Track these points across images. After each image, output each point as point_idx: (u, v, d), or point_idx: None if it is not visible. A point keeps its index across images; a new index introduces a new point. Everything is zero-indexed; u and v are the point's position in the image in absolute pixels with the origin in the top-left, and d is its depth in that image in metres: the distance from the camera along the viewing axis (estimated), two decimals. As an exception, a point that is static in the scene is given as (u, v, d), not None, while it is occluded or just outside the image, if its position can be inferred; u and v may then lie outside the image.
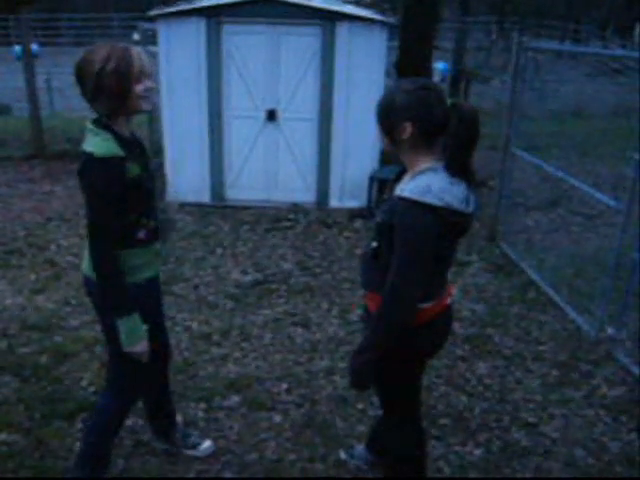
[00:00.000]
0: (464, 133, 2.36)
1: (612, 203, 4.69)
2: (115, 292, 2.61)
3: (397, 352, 2.53)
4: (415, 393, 2.89)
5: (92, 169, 2.51)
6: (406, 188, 2.34)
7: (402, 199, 2.33)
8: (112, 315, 2.65)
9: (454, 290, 2.75)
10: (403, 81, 2.45)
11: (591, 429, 3.79)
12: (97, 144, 2.52)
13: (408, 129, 2.37)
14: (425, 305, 2.50)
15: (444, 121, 2.35)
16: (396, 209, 2.35)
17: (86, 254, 2.70)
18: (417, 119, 2.35)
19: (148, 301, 2.86)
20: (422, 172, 2.40)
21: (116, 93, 2.54)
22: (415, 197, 2.30)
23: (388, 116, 2.43)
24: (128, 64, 2.53)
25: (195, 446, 3.51)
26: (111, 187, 2.51)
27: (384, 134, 2.49)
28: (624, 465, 3.50)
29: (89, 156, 2.50)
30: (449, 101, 2.39)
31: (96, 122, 2.61)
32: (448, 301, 2.65)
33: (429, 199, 2.29)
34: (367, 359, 2.47)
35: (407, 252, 2.35)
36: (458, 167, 2.39)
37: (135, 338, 2.66)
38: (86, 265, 2.76)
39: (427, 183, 2.33)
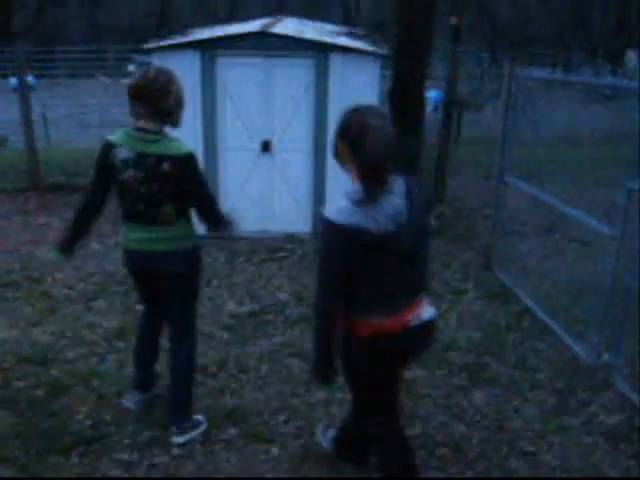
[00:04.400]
0: (372, 159, 2.59)
1: (606, 230, 4.71)
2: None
3: (362, 359, 2.84)
4: (386, 393, 3.06)
5: (196, 160, 3.48)
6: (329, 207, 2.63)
7: (321, 216, 2.64)
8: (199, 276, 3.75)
9: (422, 311, 2.88)
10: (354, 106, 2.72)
11: (590, 457, 3.78)
12: (183, 144, 3.46)
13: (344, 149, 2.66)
14: (375, 320, 2.74)
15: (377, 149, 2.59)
16: None
17: (152, 236, 3.56)
18: (349, 142, 2.63)
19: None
20: (348, 192, 2.62)
21: (183, 107, 3.48)
22: (327, 215, 2.59)
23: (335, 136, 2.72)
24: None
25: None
26: None
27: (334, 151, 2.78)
28: (624, 493, 3.49)
29: (189, 154, 3.42)
30: (369, 125, 2.58)
31: (161, 133, 3.43)
32: (410, 321, 2.79)
33: (334, 218, 2.55)
34: (314, 358, 2.87)
35: (319, 263, 2.68)
36: (373, 189, 2.59)
37: None
38: (164, 242, 3.58)
39: (343, 203, 2.59)
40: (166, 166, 3.38)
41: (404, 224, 2.62)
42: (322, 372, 2.89)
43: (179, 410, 3.86)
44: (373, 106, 2.79)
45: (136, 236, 3.62)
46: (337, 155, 2.75)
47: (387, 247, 2.61)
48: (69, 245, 3.81)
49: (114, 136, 3.50)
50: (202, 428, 3.92)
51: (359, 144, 2.59)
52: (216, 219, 3.76)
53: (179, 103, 3.47)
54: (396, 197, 2.65)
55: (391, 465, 3.14)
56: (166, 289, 3.74)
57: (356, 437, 3.44)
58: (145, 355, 4.16)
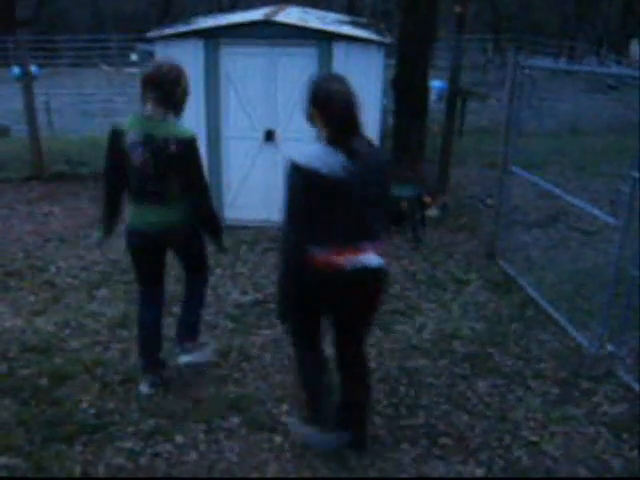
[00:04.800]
0: (339, 117, 3.08)
1: (610, 220, 4.70)
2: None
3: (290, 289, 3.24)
4: (311, 330, 3.48)
5: (198, 144, 3.84)
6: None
7: (289, 158, 3.11)
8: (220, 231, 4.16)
9: (364, 257, 3.20)
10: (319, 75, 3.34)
11: (593, 447, 3.78)
12: (187, 128, 3.84)
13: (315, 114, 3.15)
14: (312, 253, 3.13)
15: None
16: None
17: (160, 213, 3.85)
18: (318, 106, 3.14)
19: None
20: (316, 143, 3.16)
21: (187, 99, 3.87)
22: (292, 157, 3.09)
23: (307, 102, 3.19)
24: None
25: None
26: None
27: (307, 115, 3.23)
28: (626, 483, 3.50)
29: (192, 137, 3.78)
30: (334, 89, 3.13)
31: (167, 119, 3.77)
32: (342, 261, 3.14)
33: (297, 160, 3.06)
34: (276, 293, 3.31)
35: (285, 199, 3.13)
36: (335, 142, 3.07)
37: None
38: (174, 219, 3.90)
39: (306, 150, 3.11)
40: (173, 147, 3.72)
41: (354, 174, 3.06)
42: (282, 309, 3.33)
43: (188, 331, 4.27)
44: (333, 74, 3.44)
45: (144, 216, 3.90)
46: (309, 119, 3.21)
47: (335, 191, 3.07)
48: (109, 226, 4.12)
49: (121, 122, 3.83)
50: (208, 352, 4.40)
51: (326, 106, 3.11)
52: (207, 213, 4.06)
53: (185, 95, 3.84)
54: (354, 152, 3.09)
55: (307, 384, 3.60)
56: (177, 254, 4.18)
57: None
58: (149, 344, 4.24)
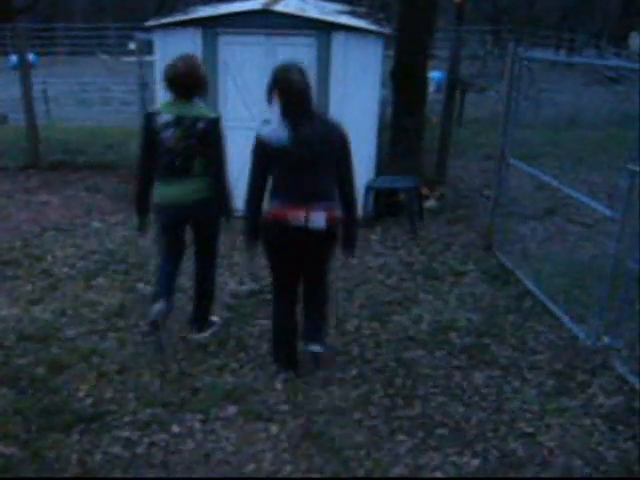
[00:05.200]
0: (289, 99, 3.85)
1: (608, 212, 4.70)
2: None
3: (263, 234, 4.11)
4: (282, 277, 4.27)
5: (221, 123, 4.45)
6: None
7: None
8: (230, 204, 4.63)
9: (310, 215, 3.89)
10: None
11: (588, 438, 3.79)
12: (212, 109, 4.70)
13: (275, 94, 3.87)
14: (272, 206, 3.98)
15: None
16: None
17: (192, 188, 4.43)
18: (279, 89, 3.88)
19: None
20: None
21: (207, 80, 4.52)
22: (256, 132, 3.96)
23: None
24: None
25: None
26: None
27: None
28: (621, 474, 3.51)
29: (217, 117, 4.44)
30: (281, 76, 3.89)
31: (197, 101, 4.42)
32: (286, 216, 3.91)
33: (257, 132, 3.95)
34: (244, 231, 4.23)
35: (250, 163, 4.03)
36: (285, 118, 3.85)
37: None
38: (197, 194, 4.45)
39: (266, 127, 3.93)
40: (200, 125, 4.33)
41: (297, 144, 3.82)
42: (247, 243, 4.24)
43: (201, 317, 4.82)
44: (295, 63, 3.98)
45: (172, 191, 4.43)
46: (270, 100, 3.92)
47: (281, 157, 3.90)
48: (144, 208, 4.60)
49: (154, 107, 4.79)
50: (216, 326, 4.92)
51: (282, 89, 3.85)
52: (223, 186, 4.56)
53: (205, 80, 4.47)
54: (300, 126, 3.85)
55: (275, 323, 4.39)
56: (197, 228, 4.62)
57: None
58: (166, 284, 4.65)
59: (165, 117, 4.32)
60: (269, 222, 4.02)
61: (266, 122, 3.96)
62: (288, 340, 4.38)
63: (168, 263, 4.70)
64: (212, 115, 4.42)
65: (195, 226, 4.59)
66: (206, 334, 4.79)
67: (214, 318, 4.95)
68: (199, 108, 4.41)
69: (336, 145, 3.98)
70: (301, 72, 3.92)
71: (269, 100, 3.92)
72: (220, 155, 4.47)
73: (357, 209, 4.19)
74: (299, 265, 4.20)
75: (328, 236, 4.00)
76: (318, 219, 3.91)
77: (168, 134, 4.31)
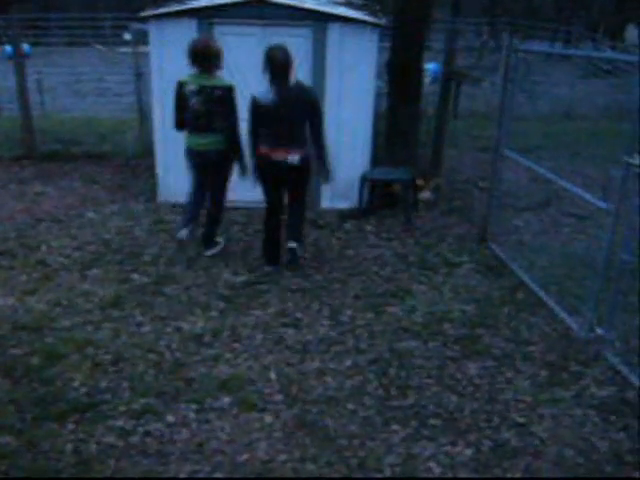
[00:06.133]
0: (273, 69, 5.34)
1: (602, 204, 4.71)
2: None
3: (257, 167, 5.68)
4: (271, 195, 5.82)
5: (234, 91, 5.78)
6: None
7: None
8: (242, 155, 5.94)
9: (289, 155, 5.50)
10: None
11: (580, 429, 3.81)
12: (227, 80, 5.87)
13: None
14: (260, 147, 5.56)
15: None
16: None
17: (213, 139, 5.82)
18: (268, 64, 5.36)
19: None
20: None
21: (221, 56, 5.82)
22: (252, 94, 5.47)
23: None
24: None
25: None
26: None
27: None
28: (613, 464, 3.53)
29: (231, 86, 5.75)
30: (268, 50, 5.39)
31: (213, 74, 5.76)
32: (271, 154, 5.52)
33: (253, 95, 5.46)
34: (244, 163, 5.96)
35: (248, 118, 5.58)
36: (271, 84, 5.38)
37: None
38: (215, 145, 5.85)
39: (259, 90, 5.46)
40: (218, 92, 5.68)
41: (279, 104, 5.37)
42: (244, 169, 5.92)
43: (209, 237, 6.24)
44: (281, 45, 5.40)
45: (197, 140, 5.85)
46: (264, 70, 5.36)
47: (267, 112, 5.42)
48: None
49: (184, 78, 5.76)
50: (221, 245, 6.34)
51: (269, 63, 5.33)
52: (234, 140, 5.84)
53: (220, 56, 5.76)
54: (281, 90, 5.37)
55: (265, 229, 5.96)
56: (213, 168, 5.99)
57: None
58: (192, 210, 6.17)
59: (191, 87, 5.68)
60: (261, 158, 5.58)
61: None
62: (274, 242, 5.93)
63: (195, 194, 6.12)
64: (227, 84, 5.73)
65: (212, 166, 5.95)
66: (213, 250, 6.20)
67: (219, 239, 6.35)
68: (216, 79, 5.74)
69: (307, 105, 5.47)
70: (285, 52, 5.35)
71: (264, 71, 5.37)
72: (232, 115, 5.77)
73: (326, 148, 5.63)
74: (282, 187, 5.77)
75: (301, 168, 5.59)
76: (294, 157, 5.51)
77: (194, 100, 5.67)
